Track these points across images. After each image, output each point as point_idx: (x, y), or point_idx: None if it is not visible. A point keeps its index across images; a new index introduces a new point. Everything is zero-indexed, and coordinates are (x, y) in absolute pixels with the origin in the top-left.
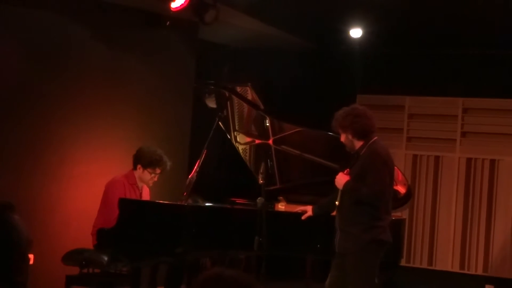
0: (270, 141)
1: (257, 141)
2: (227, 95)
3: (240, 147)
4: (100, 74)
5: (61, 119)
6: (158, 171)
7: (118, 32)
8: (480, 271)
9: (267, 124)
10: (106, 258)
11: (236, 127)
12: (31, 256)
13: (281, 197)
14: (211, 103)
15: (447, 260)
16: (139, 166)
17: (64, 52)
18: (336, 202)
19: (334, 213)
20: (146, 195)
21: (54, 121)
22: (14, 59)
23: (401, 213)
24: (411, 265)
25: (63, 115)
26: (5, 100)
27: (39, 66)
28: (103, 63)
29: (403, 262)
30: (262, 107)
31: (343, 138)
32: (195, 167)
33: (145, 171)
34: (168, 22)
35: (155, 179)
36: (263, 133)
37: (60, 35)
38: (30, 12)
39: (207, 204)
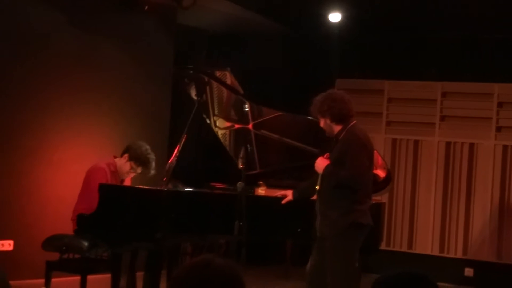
0: (250, 126)
1: (236, 126)
2: (206, 80)
3: (220, 132)
4: (77, 59)
5: (38, 105)
6: (139, 170)
7: (95, 16)
8: (459, 255)
9: (247, 109)
10: (86, 244)
11: (216, 112)
12: (10, 242)
13: (261, 182)
14: (190, 89)
15: (426, 244)
16: (126, 155)
17: (39, 37)
18: (316, 187)
19: (314, 197)
20: (127, 183)
21: (31, 107)
22: None
23: (380, 197)
24: (391, 248)
25: (39, 101)
26: None
27: (13, 52)
28: (79, 48)
29: (383, 246)
30: (241, 91)
31: (322, 123)
32: (175, 152)
33: (128, 163)
34: (146, 7)
35: (132, 175)
36: (242, 117)
37: (35, 20)
38: None
39: (186, 189)
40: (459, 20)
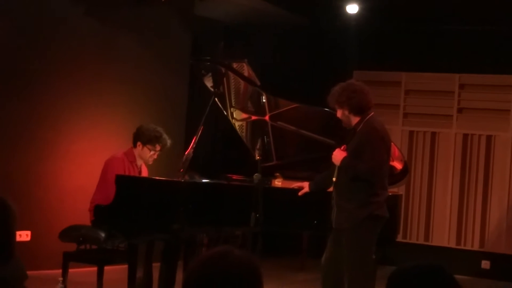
0: (267, 117)
1: (253, 117)
2: (223, 71)
3: (237, 124)
4: (95, 51)
5: (56, 96)
6: (158, 148)
7: (112, 8)
8: (476, 247)
9: (264, 100)
10: (103, 235)
11: (233, 103)
12: (28, 232)
13: (277, 173)
14: (207, 80)
15: (443, 236)
16: (139, 143)
17: (58, 28)
18: (333, 178)
19: (330, 189)
20: (144, 174)
21: (48, 98)
22: (7, 36)
23: (397, 189)
24: (407, 241)
25: (57, 92)
26: None
27: (33, 43)
28: (98, 40)
29: (399, 238)
30: (258, 83)
31: (339, 114)
32: (192, 144)
33: (145, 148)
34: None
35: (155, 156)
36: (259, 109)
37: (53, 12)
38: None
39: (203, 180)
40: (477, 12)
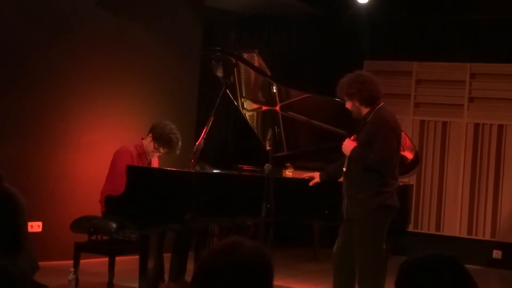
0: (277, 108)
1: (264, 108)
2: (234, 61)
3: (247, 114)
4: (106, 41)
5: (68, 86)
6: (161, 150)
7: None
8: (487, 237)
9: (274, 91)
10: (114, 225)
11: (243, 93)
12: (39, 223)
13: (288, 164)
14: (218, 70)
15: (454, 226)
16: (150, 134)
17: (70, 19)
18: (344, 169)
19: (341, 179)
20: (155, 165)
21: (61, 88)
22: (21, 27)
23: (408, 179)
24: (418, 230)
25: (69, 83)
26: (12, 67)
27: (45, 34)
28: (109, 31)
29: (410, 228)
30: (269, 73)
31: (349, 105)
32: (202, 134)
33: (151, 143)
34: None
35: (157, 154)
36: (270, 99)
37: (66, 2)
38: None
39: (214, 170)
40: (489, 1)
